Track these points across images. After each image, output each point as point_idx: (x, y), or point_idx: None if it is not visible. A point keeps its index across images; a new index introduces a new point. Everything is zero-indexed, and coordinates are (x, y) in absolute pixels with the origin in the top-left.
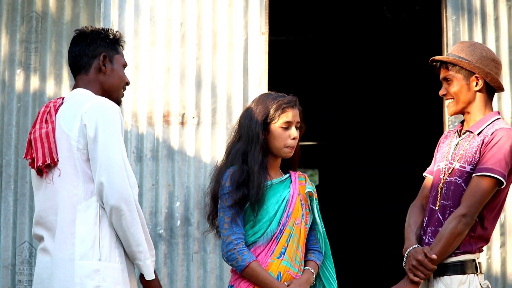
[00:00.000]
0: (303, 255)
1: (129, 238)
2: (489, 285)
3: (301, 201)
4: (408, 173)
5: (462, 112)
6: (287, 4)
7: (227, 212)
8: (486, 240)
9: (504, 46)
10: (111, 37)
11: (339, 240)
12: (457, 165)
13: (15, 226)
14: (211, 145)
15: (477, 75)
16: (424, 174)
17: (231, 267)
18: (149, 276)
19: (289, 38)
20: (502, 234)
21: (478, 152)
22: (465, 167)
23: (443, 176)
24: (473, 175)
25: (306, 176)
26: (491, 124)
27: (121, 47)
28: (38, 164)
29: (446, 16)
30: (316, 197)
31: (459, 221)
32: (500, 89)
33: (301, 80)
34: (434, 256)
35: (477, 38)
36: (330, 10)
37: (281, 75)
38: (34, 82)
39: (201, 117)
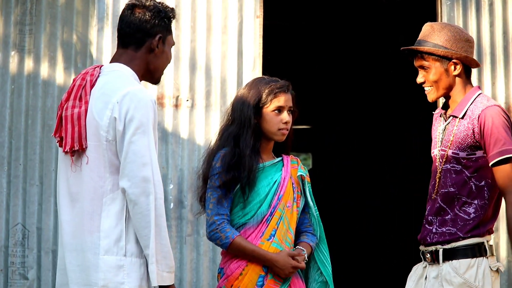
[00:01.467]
0: (294, 238)
1: (140, 237)
2: (500, 267)
3: (292, 184)
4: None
5: (443, 96)
6: None
7: (214, 192)
8: (495, 219)
9: (499, 32)
10: (170, 15)
11: (332, 225)
12: (450, 152)
13: (8, 208)
14: (205, 128)
15: (454, 60)
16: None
17: (221, 250)
18: (153, 281)
19: (285, 23)
20: None
21: (469, 138)
22: (458, 154)
23: (439, 164)
24: (491, 164)
25: (298, 159)
26: (473, 103)
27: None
28: (66, 149)
29: (441, 1)
30: (309, 180)
31: None
32: (477, 65)
33: (296, 64)
34: None
35: (472, 23)
36: None
37: (276, 59)
38: (28, 64)
39: (195, 99)
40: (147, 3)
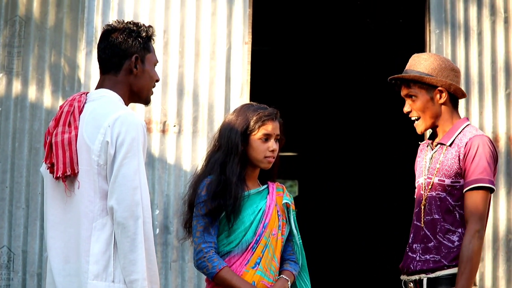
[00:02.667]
0: (279, 266)
1: (128, 261)
2: None
3: (278, 212)
4: (392, 187)
5: (432, 127)
6: (270, 14)
7: (200, 220)
8: None
9: (487, 61)
10: (143, 35)
11: (319, 252)
12: (435, 180)
13: None
14: (191, 154)
15: (440, 88)
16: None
17: (206, 277)
18: None
19: (273, 49)
20: None
21: (456, 165)
22: (444, 181)
23: (424, 192)
24: (465, 190)
25: (284, 187)
26: (462, 132)
27: (152, 41)
28: (58, 175)
29: (429, 30)
30: (294, 208)
31: (478, 237)
32: (463, 95)
33: (284, 91)
34: None
35: (460, 52)
36: (314, 22)
37: (263, 85)
38: (16, 86)
39: (182, 125)
40: (119, 26)
